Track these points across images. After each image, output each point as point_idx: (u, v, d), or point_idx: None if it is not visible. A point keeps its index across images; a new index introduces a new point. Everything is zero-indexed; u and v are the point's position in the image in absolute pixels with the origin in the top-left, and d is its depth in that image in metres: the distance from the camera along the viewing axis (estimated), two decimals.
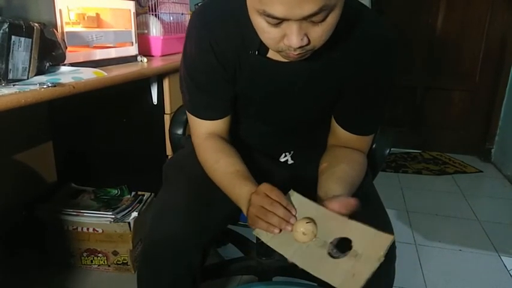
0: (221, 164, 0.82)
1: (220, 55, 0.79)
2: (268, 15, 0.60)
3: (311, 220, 0.65)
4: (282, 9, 0.58)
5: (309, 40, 0.63)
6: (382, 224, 0.83)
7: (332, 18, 0.62)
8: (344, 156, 0.85)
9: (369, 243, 0.61)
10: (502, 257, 1.71)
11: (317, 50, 0.67)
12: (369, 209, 0.83)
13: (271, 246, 0.66)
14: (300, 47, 0.63)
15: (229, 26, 0.78)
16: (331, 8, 0.60)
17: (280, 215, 0.65)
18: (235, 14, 0.76)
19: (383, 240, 0.61)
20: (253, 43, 0.76)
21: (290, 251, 0.64)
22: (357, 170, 0.83)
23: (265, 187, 0.69)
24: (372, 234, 0.62)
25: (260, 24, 0.64)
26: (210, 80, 0.82)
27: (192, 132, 0.91)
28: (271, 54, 0.78)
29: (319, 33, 0.63)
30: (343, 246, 0.63)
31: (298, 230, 0.65)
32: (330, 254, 0.62)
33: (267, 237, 0.67)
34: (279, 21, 0.61)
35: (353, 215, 0.66)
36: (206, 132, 0.87)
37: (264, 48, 0.77)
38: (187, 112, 0.90)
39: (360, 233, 0.63)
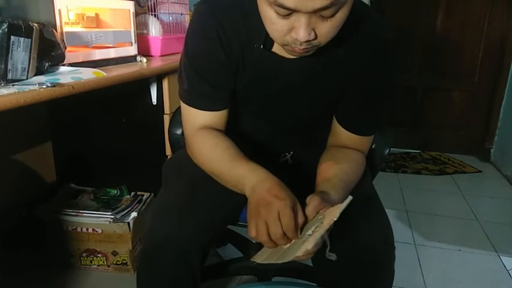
0: (219, 149, 0.80)
1: (226, 45, 0.78)
2: (279, 6, 0.60)
3: None
4: (293, 0, 0.58)
5: (316, 35, 0.63)
6: (381, 223, 0.83)
7: (341, 15, 0.62)
8: (343, 156, 0.85)
9: (332, 215, 0.62)
10: (501, 257, 1.71)
11: (321, 47, 0.67)
12: (368, 209, 0.83)
13: (262, 263, 0.67)
14: (306, 41, 0.63)
15: (236, 17, 0.77)
16: (342, 3, 0.60)
17: (278, 242, 0.65)
18: (241, 6, 0.76)
19: (341, 206, 0.61)
20: (259, 36, 0.76)
21: (275, 257, 0.65)
22: (356, 170, 0.83)
23: (282, 208, 0.64)
24: (335, 208, 0.63)
25: (269, 14, 0.64)
26: (213, 68, 0.80)
27: (185, 125, 0.87)
28: (276, 49, 0.78)
29: (327, 29, 0.63)
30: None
31: None
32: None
33: (261, 258, 0.68)
34: (288, 13, 0.61)
35: (351, 215, 0.66)
36: (202, 124, 0.84)
37: (269, 43, 0.77)
38: (181, 103, 0.86)
39: (329, 213, 0.63)
